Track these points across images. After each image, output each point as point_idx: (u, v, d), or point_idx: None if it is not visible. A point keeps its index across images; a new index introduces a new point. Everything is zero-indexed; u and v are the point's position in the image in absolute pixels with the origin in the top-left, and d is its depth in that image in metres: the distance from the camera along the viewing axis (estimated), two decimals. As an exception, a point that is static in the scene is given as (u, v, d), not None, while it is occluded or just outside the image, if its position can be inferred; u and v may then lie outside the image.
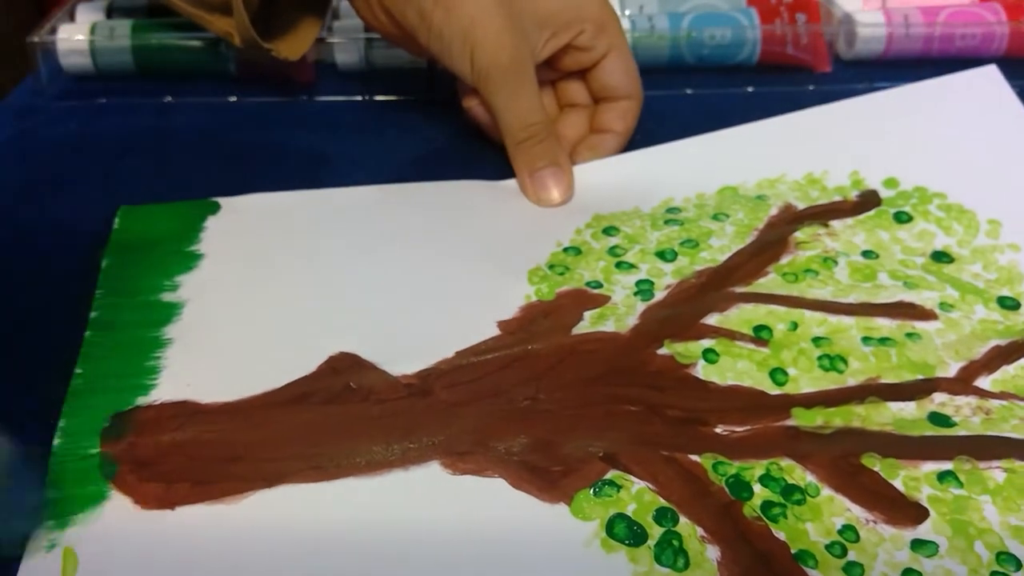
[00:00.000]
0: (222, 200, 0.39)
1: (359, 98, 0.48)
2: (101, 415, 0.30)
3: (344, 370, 0.32)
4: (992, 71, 0.43)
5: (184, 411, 0.30)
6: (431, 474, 0.28)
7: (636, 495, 0.28)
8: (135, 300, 0.34)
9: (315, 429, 0.30)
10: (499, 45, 0.38)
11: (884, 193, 0.39)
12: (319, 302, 0.34)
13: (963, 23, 0.47)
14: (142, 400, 0.30)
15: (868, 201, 0.39)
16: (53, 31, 0.49)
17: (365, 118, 0.47)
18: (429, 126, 0.46)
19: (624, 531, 0.27)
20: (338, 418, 0.30)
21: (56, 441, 0.29)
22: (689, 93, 0.48)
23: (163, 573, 0.25)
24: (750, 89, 0.49)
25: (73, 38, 0.49)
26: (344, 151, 0.44)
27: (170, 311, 0.34)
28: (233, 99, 0.48)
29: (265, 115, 0.47)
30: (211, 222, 0.38)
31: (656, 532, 0.27)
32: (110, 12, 0.52)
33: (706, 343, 0.32)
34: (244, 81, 0.49)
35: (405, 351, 0.32)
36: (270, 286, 0.35)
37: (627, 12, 0.51)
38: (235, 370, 0.31)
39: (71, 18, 0.52)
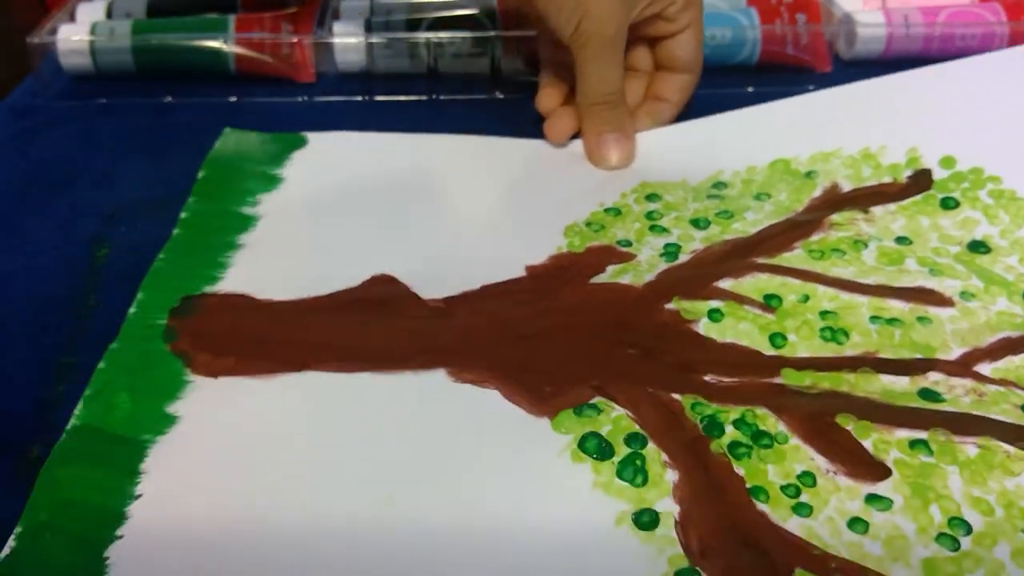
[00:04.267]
0: (310, 135, 0.44)
1: (359, 98, 0.49)
2: (173, 295, 0.35)
3: (382, 288, 0.36)
4: None
5: (241, 303, 0.35)
6: (437, 379, 0.32)
7: (614, 419, 0.30)
8: (219, 208, 0.39)
9: (345, 329, 0.34)
10: (609, 17, 0.40)
11: (938, 173, 0.39)
12: (374, 229, 0.39)
13: (963, 23, 0.47)
14: (208, 289, 0.35)
15: (918, 183, 0.39)
16: (53, 31, 0.49)
17: (365, 118, 0.47)
18: (430, 126, 0.46)
19: (593, 446, 0.29)
20: (369, 325, 0.34)
21: (131, 310, 0.34)
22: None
23: (198, 429, 0.30)
24: (750, 89, 0.48)
25: (73, 38, 0.49)
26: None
27: (247, 222, 0.39)
28: (233, 99, 0.48)
29: (265, 115, 0.47)
30: (297, 153, 0.43)
31: (623, 451, 0.29)
32: (110, 12, 0.52)
33: (714, 303, 0.34)
34: (244, 81, 0.49)
35: (439, 279, 0.36)
36: (335, 211, 0.40)
37: None
38: (290, 277, 0.36)
39: (71, 18, 0.52)
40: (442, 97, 0.49)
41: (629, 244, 0.38)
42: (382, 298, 0.35)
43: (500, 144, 0.44)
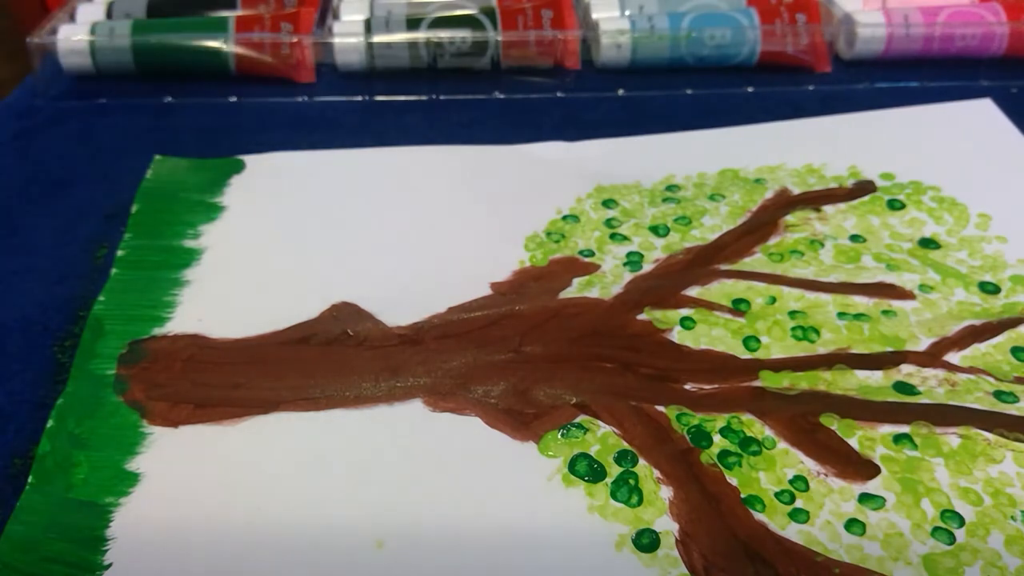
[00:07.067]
0: (247, 158, 0.42)
1: (359, 98, 0.49)
2: (119, 341, 0.32)
3: (344, 317, 0.34)
4: (987, 104, 0.45)
5: (194, 343, 0.33)
6: (413, 409, 0.30)
7: (601, 438, 0.29)
8: (159, 244, 0.37)
9: (311, 366, 0.32)
10: None
11: (880, 184, 0.40)
12: (328, 254, 0.37)
13: (963, 23, 0.47)
14: (157, 331, 0.33)
15: (863, 188, 0.40)
16: (53, 31, 0.49)
17: (365, 118, 0.47)
18: (429, 126, 0.46)
19: (585, 468, 0.28)
20: (333, 358, 0.32)
21: (75, 361, 0.32)
22: (689, 93, 0.49)
23: (164, 486, 0.28)
24: (750, 89, 0.49)
25: (73, 38, 0.48)
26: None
27: (190, 256, 0.36)
28: (233, 99, 0.48)
29: (265, 115, 0.47)
30: (235, 178, 0.41)
31: (615, 471, 0.28)
32: (110, 12, 0.52)
33: (684, 312, 0.34)
34: (244, 81, 0.49)
35: (402, 304, 0.34)
36: (284, 238, 0.38)
37: (627, 12, 0.51)
38: (244, 311, 0.34)
39: (71, 18, 0.51)
40: (442, 97, 0.49)
41: (591, 254, 0.37)
42: (345, 328, 0.34)
43: (442, 153, 0.43)
